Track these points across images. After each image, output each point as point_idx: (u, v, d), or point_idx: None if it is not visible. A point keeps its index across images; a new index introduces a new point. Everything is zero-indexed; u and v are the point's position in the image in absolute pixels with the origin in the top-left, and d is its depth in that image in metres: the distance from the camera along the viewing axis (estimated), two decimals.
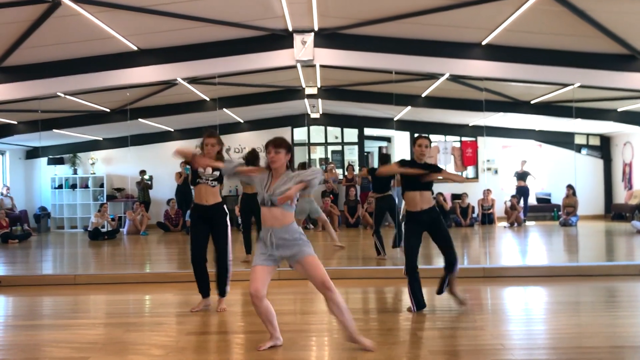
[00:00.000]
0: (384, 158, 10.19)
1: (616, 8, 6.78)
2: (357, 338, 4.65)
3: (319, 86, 12.36)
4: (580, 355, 4.58)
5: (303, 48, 8.37)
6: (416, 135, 6.38)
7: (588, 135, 16.63)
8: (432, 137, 16.44)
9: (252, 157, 9.49)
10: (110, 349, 4.99)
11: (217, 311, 6.18)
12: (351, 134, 17.13)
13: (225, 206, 6.32)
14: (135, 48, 8.46)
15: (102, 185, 15.08)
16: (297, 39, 8.34)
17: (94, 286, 8.15)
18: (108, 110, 12.07)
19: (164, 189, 15.13)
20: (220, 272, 6.28)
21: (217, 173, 6.10)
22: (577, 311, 6.26)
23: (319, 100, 13.90)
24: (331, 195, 15.60)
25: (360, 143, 17.09)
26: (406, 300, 6.27)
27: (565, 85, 10.12)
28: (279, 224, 4.56)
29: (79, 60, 8.62)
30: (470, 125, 15.45)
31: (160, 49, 8.62)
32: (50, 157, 15.45)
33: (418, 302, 5.97)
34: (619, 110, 12.78)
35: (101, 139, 15.00)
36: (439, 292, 6.17)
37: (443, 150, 16.14)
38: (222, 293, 6.30)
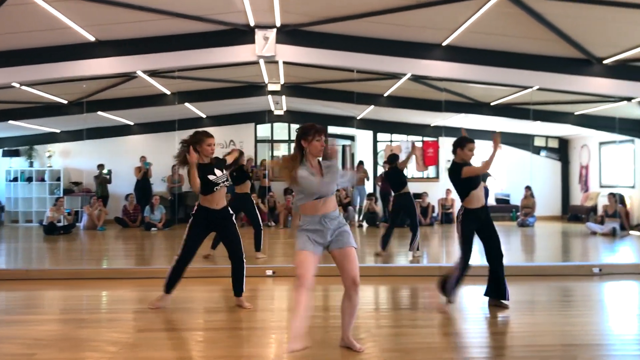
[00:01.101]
0: (393, 158, 10.08)
1: (572, 13, 6.90)
2: (351, 340, 4.60)
3: (282, 83, 12.31)
4: (533, 353, 4.65)
5: (265, 44, 8.32)
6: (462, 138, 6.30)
7: (547, 137, 16.95)
8: (395, 136, 16.63)
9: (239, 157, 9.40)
10: (60, 345, 4.89)
11: (245, 308, 6.09)
12: None
13: (229, 208, 6.17)
14: (93, 39, 8.29)
15: (59, 179, 14.75)
16: (259, 34, 8.29)
17: (47, 281, 7.97)
18: (65, 102, 11.81)
19: (123, 183, 14.87)
20: (241, 270, 6.14)
21: (226, 173, 6.02)
22: (532, 310, 6.35)
23: (283, 97, 13.85)
24: (294, 193, 15.55)
25: (324, 141, 17.06)
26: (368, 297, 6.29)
27: (524, 87, 10.28)
28: (333, 209, 4.41)
29: (34, 50, 8.41)
30: (432, 125, 15.59)
31: (118, 41, 8.47)
32: (6, 149, 15.04)
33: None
34: (576, 113, 13.04)
35: (59, 131, 14.68)
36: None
37: (405, 149, 16.25)
38: (241, 292, 6.19)
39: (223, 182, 5.98)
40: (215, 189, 5.92)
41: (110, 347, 4.81)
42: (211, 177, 5.87)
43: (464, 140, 6.20)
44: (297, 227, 4.44)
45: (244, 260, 6.15)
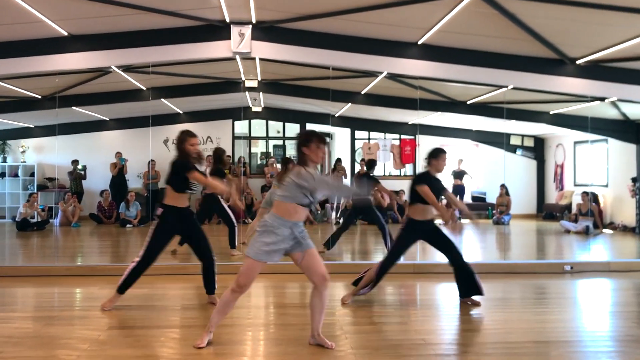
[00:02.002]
0: (371, 164, 10.17)
1: (545, 13, 6.95)
2: (322, 338, 4.66)
3: (259, 79, 12.26)
4: (504, 350, 4.71)
5: (241, 40, 8.27)
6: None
7: (523, 136, 17.09)
8: (372, 134, 16.66)
9: (217, 157, 9.38)
10: (27, 343, 4.86)
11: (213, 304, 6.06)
12: (293, 129, 17.08)
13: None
14: (66, 33, 8.17)
15: (32, 175, 14.53)
16: (235, 30, 8.23)
17: (18, 278, 7.88)
18: (39, 96, 11.64)
19: (98, 179, 14.70)
20: (212, 268, 6.12)
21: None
22: (504, 307, 6.42)
23: (260, 93, 13.80)
24: (277, 189, 15.51)
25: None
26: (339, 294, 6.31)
27: (499, 86, 10.35)
28: (304, 219, 4.54)
29: (4, 44, 8.26)
30: (409, 123, 15.63)
31: (91, 35, 8.35)
32: None
33: None
34: (551, 113, 13.16)
35: (32, 126, 14.47)
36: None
37: (382, 147, 16.32)
38: (213, 290, 6.18)
39: (196, 188, 6.01)
40: (187, 191, 5.92)
41: (81, 344, 4.78)
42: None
43: (438, 151, 6.43)
44: (260, 224, 4.45)
45: (214, 259, 6.12)
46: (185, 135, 5.96)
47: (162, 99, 12.87)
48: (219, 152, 9.48)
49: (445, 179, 16.13)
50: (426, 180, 6.20)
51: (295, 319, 5.69)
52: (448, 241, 6.24)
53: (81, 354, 4.52)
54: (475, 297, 6.24)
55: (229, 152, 15.70)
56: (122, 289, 6.01)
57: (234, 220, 9.36)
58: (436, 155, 6.39)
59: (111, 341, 4.93)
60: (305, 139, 4.50)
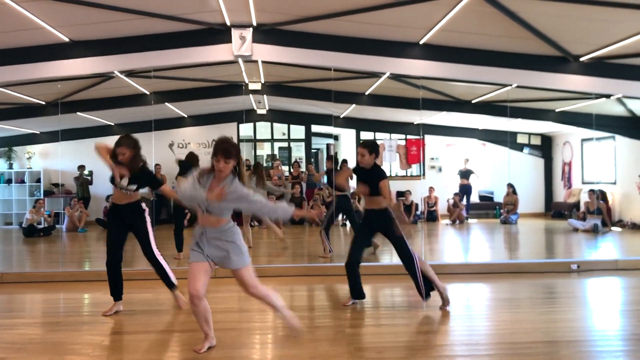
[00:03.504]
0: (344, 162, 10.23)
1: (547, 11, 6.90)
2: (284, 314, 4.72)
3: (262, 82, 12.26)
4: (515, 351, 4.67)
5: (242, 43, 8.26)
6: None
7: (530, 134, 16.99)
8: (378, 135, 16.60)
9: (190, 161, 9.39)
10: (31, 349, 4.87)
11: (180, 308, 6.07)
12: (298, 131, 17.07)
13: (143, 204, 6.13)
14: (67, 39, 8.19)
15: (39, 181, 14.59)
16: (235, 34, 8.22)
17: (24, 285, 7.89)
18: (43, 103, 11.68)
19: (104, 184, 14.67)
20: (157, 268, 6.12)
21: (133, 187, 5.95)
22: (512, 307, 6.35)
23: (265, 96, 13.80)
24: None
25: (308, 140, 17.04)
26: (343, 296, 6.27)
27: (503, 85, 10.29)
28: (215, 224, 4.49)
29: (6, 51, 8.29)
30: (415, 123, 15.58)
31: (93, 41, 8.37)
32: None
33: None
34: (557, 110, 13.08)
35: (38, 132, 14.52)
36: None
37: (388, 148, 16.25)
38: (171, 285, 6.15)
39: (123, 189, 5.99)
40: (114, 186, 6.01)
41: (85, 350, 4.79)
42: (117, 180, 5.94)
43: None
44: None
45: (159, 261, 6.16)
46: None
47: (165, 103, 12.89)
48: (193, 156, 9.58)
49: (452, 178, 16.12)
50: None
51: (304, 322, 5.65)
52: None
53: (85, 359, 4.52)
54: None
55: None
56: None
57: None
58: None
59: (115, 346, 4.94)
60: (213, 151, 4.42)
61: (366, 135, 16.82)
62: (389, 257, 9.28)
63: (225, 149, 4.30)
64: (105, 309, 6.08)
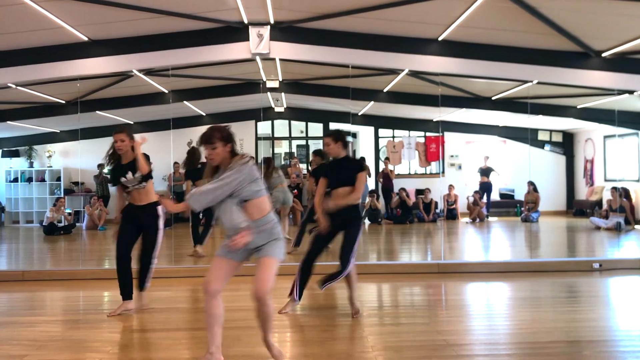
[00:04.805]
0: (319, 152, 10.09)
1: (567, 6, 6.80)
2: (270, 342, 4.32)
3: (280, 79, 12.24)
4: (537, 350, 4.61)
5: (259, 41, 8.24)
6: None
7: (551, 131, 16.79)
8: (396, 132, 16.53)
9: (192, 156, 9.41)
10: (51, 346, 4.90)
11: (142, 308, 6.05)
12: (316, 129, 17.03)
13: (159, 207, 5.97)
14: (86, 39, 8.24)
15: (59, 179, 14.74)
16: (253, 32, 8.21)
17: (44, 283, 7.97)
18: (63, 102, 11.79)
19: None
20: (143, 268, 6.07)
21: (138, 176, 5.83)
22: (533, 306, 6.26)
23: (282, 94, 13.78)
24: (295, 190, 15.51)
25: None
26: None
27: (523, 82, 10.17)
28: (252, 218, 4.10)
29: (27, 50, 8.35)
30: (434, 120, 15.47)
31: (111, 40, 8.41)
32: (5, 149, 15.00)
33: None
34: (578, 107, 12.90)
35: (58, 131, 14.65)
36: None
37: (407, 145, 16.18)
38: (142, 287, 6.10)
39: (133, 186, 5.87)
40: (126, 189, 5.91)
41: (104, 347, 4.83)
42: (123, 179, 5.84)
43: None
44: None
45: (151, 263, 6.10)
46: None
47: (184, 102, 12.94)
48: (195, 151, 9.58)
49: (472, 176, 15.99)
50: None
51: (315, 320, 5.64)
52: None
53: (104, 357, 4.54)
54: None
55: (252, 154, 15.71)
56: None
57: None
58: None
59: (134, 344, 4.96)
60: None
61: (385, 133, 16.75)
62: (408, 255, 9.22)
63: (205, 135, 4.08)
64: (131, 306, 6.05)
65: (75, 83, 9.71)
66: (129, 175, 5.80)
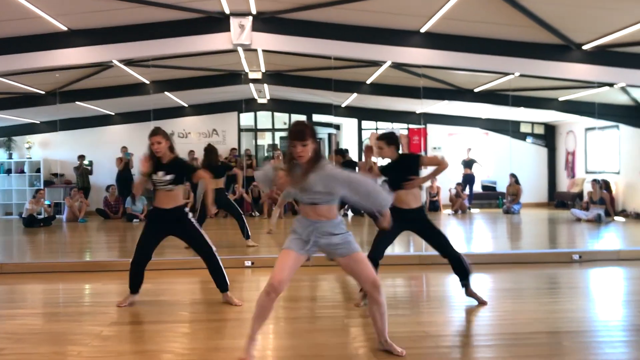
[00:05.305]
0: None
1: None
2: (389, 343, 4.30)
3: (263, 71, 12.18)
4: (517, 341, 4.63)
5: (241, 32, 8.18)
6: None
7: (533, 123, 16.91)
8: (379, 124, 16.55)
9: (210, 153, 9.34)
10: (30, 339, 4.83)
11: (235, 304, 5.84)
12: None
13: (186, 209, 5.86)
14: (65, 28, 8.13)
15: (38, 171, 14.57)
16: (235, 22, 8.14)
17: (23, 275, 7.87)
18: (42, 92, 11.64)
19: (104, 174, 14.73)
20: (214, 264, 5.90)
21: (169, 177, 5.66)
22: (514, 298, 6.30)
23: (265, 85, 13.72)
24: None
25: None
26: (340, 288, 6.23)
27: (505, 74, 10.21)
28: (328, 217, 4.07)
29: (4, 40, 8.25)
30: (417, 112, 15.50)
31: (90, 30, 8.31)
32: None
33: None
34: (560, 99, 12.99)
35: (38, 122, 14.49)
36: None
37: None
38: (226, 287, 5.94)
39: (161, 185, 5.71)
40: (155, 188, 5.76)
41: (84, 340, 4.75)
42: (154, 176, 5.69)
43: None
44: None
45: (215, 254, 5.93)
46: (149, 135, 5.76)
47: (165, 93, 12.85)
48: (212, 149, 9.50)
49: (455, 168, 16.05)
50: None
51: (304, 312, 5.64)
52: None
53: (84, 350, 4.48)
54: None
55: (235, 145, 15.67)
56: (130, 289, 5.94)
57: (240, 210, 9.39)
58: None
59: (115, 337, 4.90)
60: (288, 139, 4.04)
61: (368, 125, 16.75)
62: (390, 247, 9.21)
63: (296, 131, 3.97)
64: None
65: (55, 73, 9.61)
66: (160, 173, 5.67)
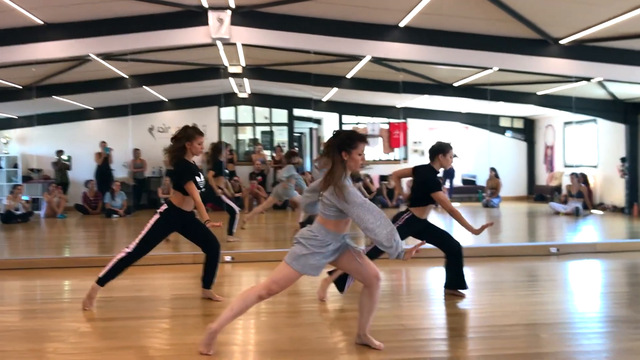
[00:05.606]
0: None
1: None
2: (368, 337, 4.31)
3: (243, 65, 12.12)
4: (495, 334, 4.68)
5: (220, 26, 8.13)
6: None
7: (512, 118, 17.03)
8: (361, 118, 16.56)
9: (215, 149, 9.30)
10: (6, 336, 4.79)
11: (216, 300, 5.81)
12: (280, 115, 16.96)
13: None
14: (41, 22, 8.02)
15: (16, 166, 14.38)
16: (213, 16, 8.09)
17: (3, 272, 7.76)
18: (19, 87, 11.48)
19: (83, 169, 14.59)
20: (216, 264, 5.86)
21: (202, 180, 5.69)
22: (492, 291, 6.35)
23: (246, 79, 13.66)
24: (259, 177, 15.46)
25: (290, 124, 16.95)
26: (317, 282, 6.23)
27: (484, 68, 10.26)
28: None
29: None
30: (398, 106, 15.53)
31: (67, 24, 8.21)
32: None
33: None
34: (538, 94, 13.09)
35: (15, 117, 14.29)
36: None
37: (371, 131, 16.21)
38: (211, 284, 5.89)
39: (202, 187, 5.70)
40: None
41: (61, 337, 4.71)
42: (197, 179, 5.59)
43: (447, 147, 5.95)
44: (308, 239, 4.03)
45: (220, 252, 5.89)
46: (194, 133, 5.61)
47: (144, 87, 12.73)
48: (217, 146, 9.46)
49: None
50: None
51: (285, 307, 5.63)
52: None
53: (61, 346, 4.45)
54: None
55: (215, 139, 15.59)
56: (103, 281, 5.67)
57: (235, 207, 9.36)
58: (445, 150, 5.92)
59: (92, 333, 4.87)
60: (349, 141, 3.93)
61: (349, 119, 16.76)
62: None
63: (364, 137, 3.99)
64: (83, 302, 5.81)
65: (31, 67, 9.48)
66: (202, 176, 5.67)
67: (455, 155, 15.30)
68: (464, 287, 5.94)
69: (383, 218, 3.83)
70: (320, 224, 4.01)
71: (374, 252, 5.66)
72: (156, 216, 5.60)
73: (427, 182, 5.82)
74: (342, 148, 3.91)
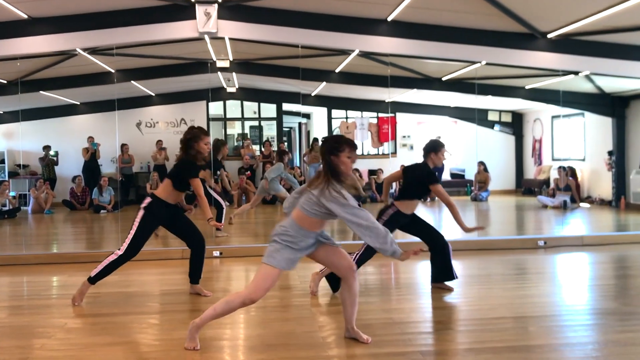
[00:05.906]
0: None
1: None
2: (356, 330, 4.35)
3: (231, 59, 12.06)
4: (483, 327, 4.71)
5: (207, 20, 8.07)
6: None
7: (500, 111, 17.05)
8: (349, 113, 16.55)
9: (214, 150, 9.27)
10: None
11: (205, 295, 5.84)
12: (269, 109, 16.90)
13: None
14: (25, 16, 7.93)
15: (2, 162, 14.25)
16: (200, 10, 8.03)
17: None
18: (4, 82, 11.36)
19: (70, 165, 14.48)
20: (201, 255, 5.90)
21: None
22: (480, 284, 6.39)
23: (234, 74, 13.60)
24: (248, 172, 15.41)
25: (279, 118, 16.90)
26: (307, 277, 6.23)
27: (472, 62, 10.27)
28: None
29: None
30: (386, 101, 15.53)
31: (52, 18, 8.11)
32: None
33: None
34: (526, 87, 13.13)
35: (1, 112, 14.15)
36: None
37: (360, 126, 16.19)
38: (198, 279, 5.93)
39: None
40: (189, 191, 5.75)
41: (47, 333, 4.68)
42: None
43: (439, 146, 6.08)
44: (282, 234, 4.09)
45: (204, 246, 5.92)
46: (200, 133, 5.63)
47: (131, 81, 12.65)
48: (218, 144, 9.42)
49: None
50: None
51: (273, 302, 5.62)
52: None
53: (48, 342, 4.42)
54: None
55: None
56: (94, 280, 5.65)
57: (222, 202, 9.39)
58: (437, 148, 6.05)
59: (80, 329, 4.85)
60: (336, 145, 4.06)
61: (338, 114, 16.73)
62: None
63: (353, 141, 4.14)
64: (73, 297, 5.78)
65: (16, 62, 9.38)
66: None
67: (448, 153, 15.36)
68: (453, 277, 5.96)
69: (373, 219, 3.96)
70: (294, 221, 4.06)
71: (367, 253, 5.72)
72: (141, 212, 5.57)
73: (426, 177, 5.94)
74: (331, 152, 4.04)
